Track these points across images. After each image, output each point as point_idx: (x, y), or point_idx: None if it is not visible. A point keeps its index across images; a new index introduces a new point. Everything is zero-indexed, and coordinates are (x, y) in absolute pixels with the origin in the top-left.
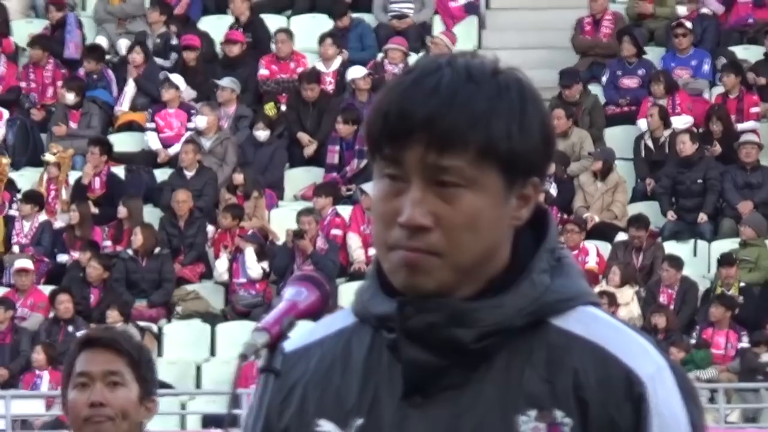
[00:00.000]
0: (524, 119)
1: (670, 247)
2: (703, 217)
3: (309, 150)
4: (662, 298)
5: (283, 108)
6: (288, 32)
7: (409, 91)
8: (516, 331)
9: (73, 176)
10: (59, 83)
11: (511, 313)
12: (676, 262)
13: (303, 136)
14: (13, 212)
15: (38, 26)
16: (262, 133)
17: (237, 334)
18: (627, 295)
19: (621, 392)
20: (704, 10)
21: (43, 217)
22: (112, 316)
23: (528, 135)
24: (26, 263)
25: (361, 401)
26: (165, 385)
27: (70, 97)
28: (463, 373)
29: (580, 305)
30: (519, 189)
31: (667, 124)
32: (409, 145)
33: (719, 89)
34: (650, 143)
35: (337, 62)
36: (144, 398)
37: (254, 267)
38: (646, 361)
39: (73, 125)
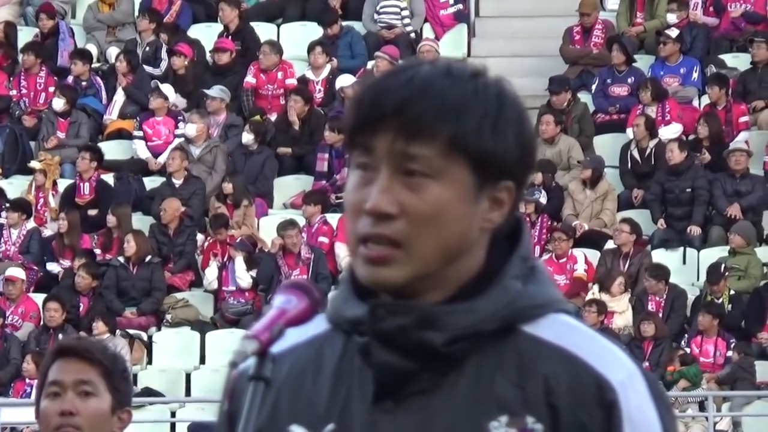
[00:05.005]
0: (499, 120)
1: (659, 255)
2: (692, 229)
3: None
4: (651, 306)
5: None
6: (272, 44)
7: (384, 82)
8: (487, 336)
9: (63, 184)
10: (51, 89)
11: (482, 317)
12: (658, 272)
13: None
14: (2, 220)
15: (29, 34)
16: (246, 136)
17: (226, 342)
18: (623, 304)
19: (592, 398)
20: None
21: (31, 224)
22: (98, 327)
23: (501, 136)
24: (17, 272)
25: (332, 406)
26: (155, 393)
27: (60, 103)
28: (433, 378)
29: (552, 312)
30: (490, 190)
31: (653, 134)
32: (380, 132)
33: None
34: (636, 154)
35: (326, 70)
36: (117, 409)
37: (243, 276)
38: (617, 368)
39: (61, 134)
